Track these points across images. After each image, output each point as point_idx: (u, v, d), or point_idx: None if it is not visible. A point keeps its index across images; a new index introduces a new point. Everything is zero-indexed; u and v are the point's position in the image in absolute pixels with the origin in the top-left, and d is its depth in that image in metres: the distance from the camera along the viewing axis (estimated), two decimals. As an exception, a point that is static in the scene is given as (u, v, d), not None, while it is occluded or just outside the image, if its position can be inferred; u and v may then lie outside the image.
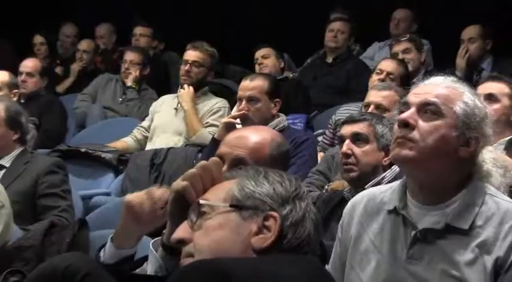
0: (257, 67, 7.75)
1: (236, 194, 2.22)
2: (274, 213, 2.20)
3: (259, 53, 7.81)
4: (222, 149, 3.32)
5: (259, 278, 2.00)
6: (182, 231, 2.26)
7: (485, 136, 2.84)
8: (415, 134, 2.77)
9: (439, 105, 2.79)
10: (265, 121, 5.54)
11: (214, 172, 2.41)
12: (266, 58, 7.80)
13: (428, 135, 2.76)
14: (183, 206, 2.40)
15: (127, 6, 10.66)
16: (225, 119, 5.81)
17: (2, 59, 8.57)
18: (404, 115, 2.81)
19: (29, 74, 7.78)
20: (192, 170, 2.43)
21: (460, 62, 7.90)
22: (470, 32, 8.05)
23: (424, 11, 9.10)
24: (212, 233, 2.19)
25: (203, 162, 2.46)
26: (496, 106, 4.85)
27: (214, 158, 2.52)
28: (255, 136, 3.35)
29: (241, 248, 2.17)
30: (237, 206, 2.21)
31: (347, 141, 4.29)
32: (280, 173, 2.32)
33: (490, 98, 4.88)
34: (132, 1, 10.85)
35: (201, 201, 2.24)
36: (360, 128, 4.29)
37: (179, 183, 2.45)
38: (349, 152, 4.26)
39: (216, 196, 2.25)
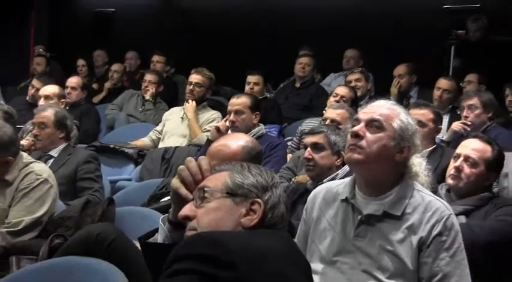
0: (247, 88, 7.70)
1: (230, 184, 2.23)
2: (259, 200, 2.21)
3: (252, 78, 7.73)
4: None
5: (244, 244, 1.99)
6: (188, 209, 2.26)
7: (415, 146, 2.85)
8: (363, 143, 2.77)
9: (382, 122, 2.80)
10: (248, 129, 5.55)
11: (202, 165, 2.38)
12: (257, 85, 7.74)
13: (373, 144, 2.77)
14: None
15: (148, 40, 10.63)
16: (215, 124, 5.81)
17: (54, 76, 8.53)
18: (355, 128, 2.82)
19: (72, 88, 7.73)
20: (182, 166, 2.41)
21: (393, 90, 7.91)
22: (400, 70, 8.03)
23: (368, 51, 9.10)
24: (212, 213, 2.20)
25: (190, 158, 2.43)
26: (425, 129, 4.80)
27: (202, 156, 2.50)
28: (229, 148, 3.35)
29: (233, 226, 2.17)
30: (231, 193, 2.21)
31: (308, 149, 4.31)
32: (258, 167, 2.32)
33: (419, 124, 4.85)
34: (152, 36, 10.82)
35: (205, 189, 2.24)
36: (317, 138, 4.30)
37: (175, 181, 2.43)
38: (310, 157, 4.27)
39: (215, 185, 2.24)
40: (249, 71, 7.82)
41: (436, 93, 6.94)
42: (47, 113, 5.32)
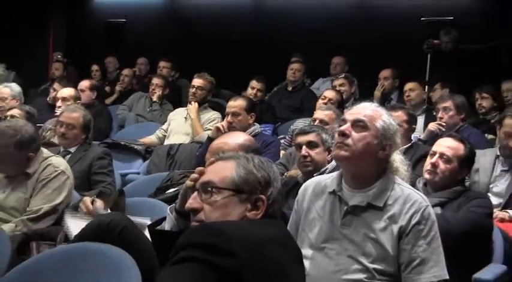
0: (251, 92, 7.72)
1: (236, 180, 2.19)
2: (263, 197, 2.19)
3: (258, 85, 7.79)
4: (207, 155, 3.34)
5: (245, 234, 1.99)
6: (194, 202, 2.23)
7: (396, 144, 2.86)
8: (349, 141, 2.76)
9: (366, 122, 2.79)
10: (244, 128, 5.51)
11: None
12: (260, 91, 7.81)
13: (358, 142, 2.76)
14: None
15: (155, 47, 10.61)
16: (216, 124, 5.80)
17: (71, 80, 8.51)
18: (342, 127, 2.81)
19: (82, 90, 7.61)
20: (194, 175, 2.41)
21: (377, 93, 7.93)
22: (386, 73, 8.11)
23: (352, 59, 9.11)
24: (219, 209, 2.17)
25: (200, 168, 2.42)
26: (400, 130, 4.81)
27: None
28: (229, 145, 3.37)
29: (239, 219, 2.16)
30: (236, 191, 2.18)
31: (304, 147, 4.26)
32: (260, 159, 2.29)
33: None
34: (159, 44, 10.80)
35: (211, 184, 2.21)
36: (312, 137, 4.26)
37: (188, 182, 2.50)
38: (306, 154, 4.23)
39: (220, 180, 2.21)
40: (256, 77, 7.83)
41: (405, 95, 7.17)
42: (77, 114, 5.27)
